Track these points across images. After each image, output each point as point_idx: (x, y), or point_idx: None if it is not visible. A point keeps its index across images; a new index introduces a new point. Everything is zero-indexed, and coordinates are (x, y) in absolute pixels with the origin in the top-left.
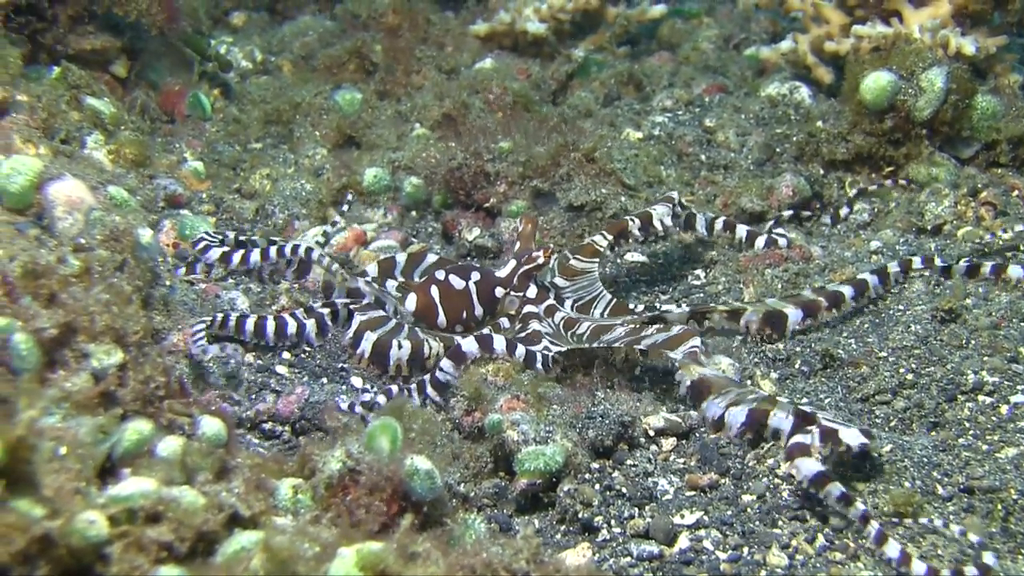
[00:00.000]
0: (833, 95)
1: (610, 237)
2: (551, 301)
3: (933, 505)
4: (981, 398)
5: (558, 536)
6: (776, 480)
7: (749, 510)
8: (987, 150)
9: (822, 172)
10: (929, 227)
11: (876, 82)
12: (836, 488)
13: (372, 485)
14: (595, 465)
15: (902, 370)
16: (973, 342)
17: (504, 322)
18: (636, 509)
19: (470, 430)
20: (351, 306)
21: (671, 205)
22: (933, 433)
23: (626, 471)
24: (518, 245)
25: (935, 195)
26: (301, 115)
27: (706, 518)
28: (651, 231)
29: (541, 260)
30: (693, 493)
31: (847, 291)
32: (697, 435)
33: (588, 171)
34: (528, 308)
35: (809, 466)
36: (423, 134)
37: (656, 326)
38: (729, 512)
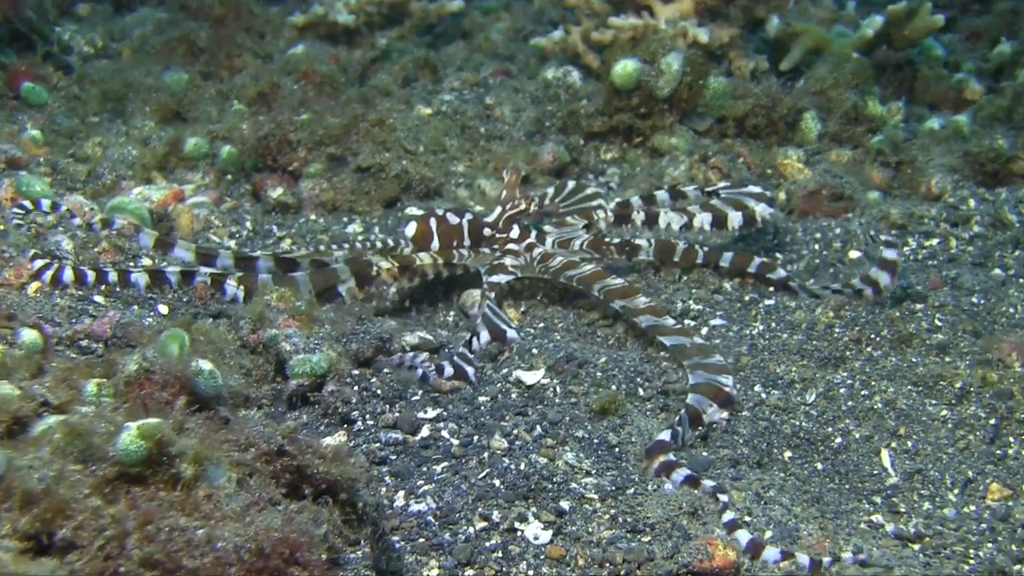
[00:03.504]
0: (599, 78)
1: (611, 216)
2: (531, 240)
3: (633, 403)
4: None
5: (322, 428)
6: (508, 385)
7: (482, 408)
8: (719, 123)
9: (582, 142)
10: (666, 187)
11: (624, 68)
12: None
13: (163, 382)
14: (356, 372)
15: None
16: (684, 278)
17: (486, 250)
18: (388, 406)
19: (255, 346)
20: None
21: (683, 217)
22: (642, 351)
23: (382, 377)
24: (504, 193)
25: (673, 161)
26: (134, 93)
27: (445, 413)
28: (654, 228)
29: (523, 206)
30: (438, 395)
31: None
32: (446, 350)
33: (375, 139)
34: (510, 246)
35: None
36: (240, 109)
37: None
38: (466, 409)
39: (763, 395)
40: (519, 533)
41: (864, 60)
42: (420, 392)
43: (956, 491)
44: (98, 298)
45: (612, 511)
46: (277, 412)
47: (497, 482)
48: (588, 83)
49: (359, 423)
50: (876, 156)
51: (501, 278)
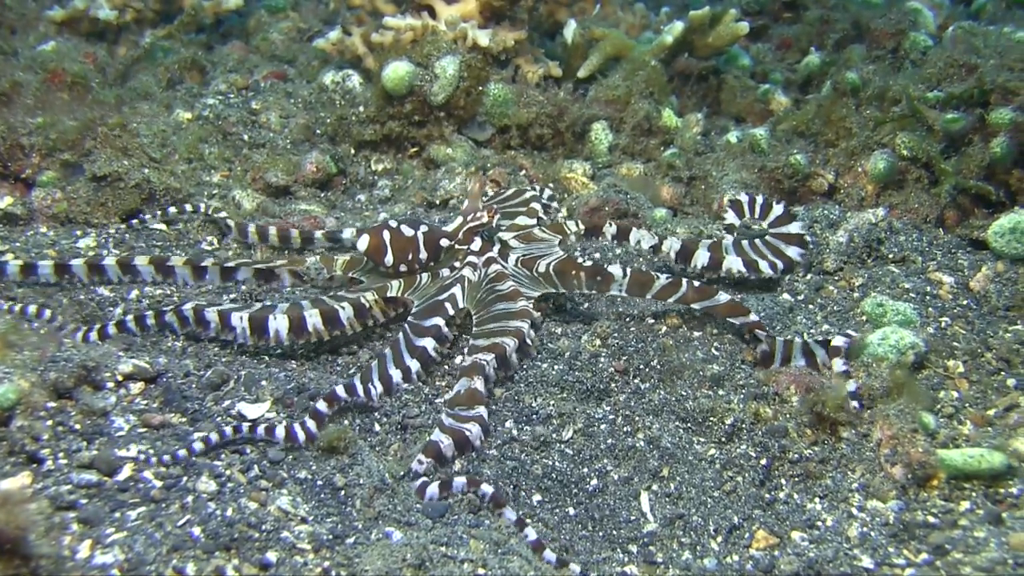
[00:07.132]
0: None
1: (583, 227)
2: (492, 254)
3: (367, 440)
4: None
5: (6, 468)
6: (228, 419)
7: (195, 445)
8: (502, 133)
9: (353, 152)
10: (438, 201)
11: (395, 71)
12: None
13: None
14: (52, 404)
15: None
16: None
17: (445, 271)
18: (85, 443)
19: None
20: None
21: (654, 237)
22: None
23: (84, 410)
24: (466, 203)
25: (448, 173)
26: None
27: (151, 451)
28: (624, 244)
29: (485, 219)
30: (145, 430)
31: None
32: (163, 379)
33: (114, 144)
34: (470, 258)
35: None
36: None
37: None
38: (177, 447)
39: (514, 431)
40: None
41: (659, 67)
42: (128, 428)
43: (719, 539)
44: None
45: (326, 563)
46: None
47: (197, 530)
48: (368, 88)
49: (49, 462)
50: (667, 170)
51: (457, 293)
